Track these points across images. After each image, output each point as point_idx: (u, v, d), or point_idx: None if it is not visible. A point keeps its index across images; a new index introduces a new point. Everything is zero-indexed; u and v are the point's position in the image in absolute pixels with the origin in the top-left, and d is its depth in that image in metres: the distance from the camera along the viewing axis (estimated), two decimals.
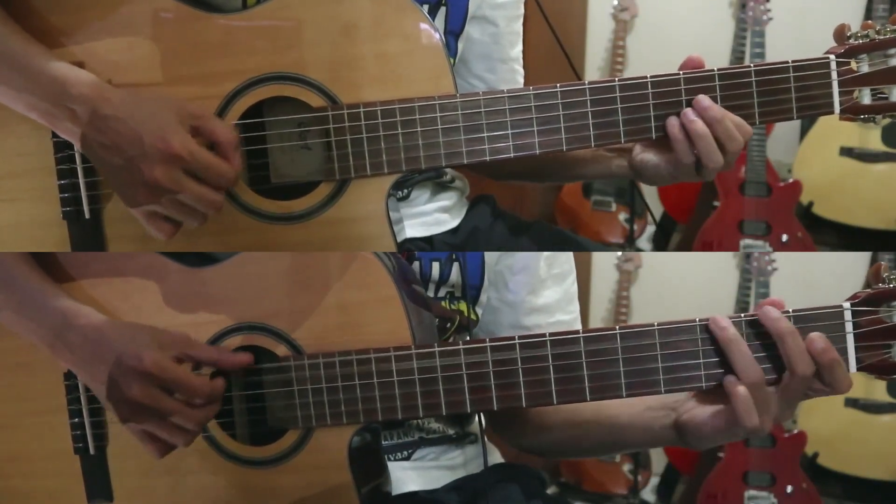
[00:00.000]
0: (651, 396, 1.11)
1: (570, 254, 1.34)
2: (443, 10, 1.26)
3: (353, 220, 1.14)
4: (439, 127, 1.11)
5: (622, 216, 3.32)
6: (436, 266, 1.24)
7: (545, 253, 1.30)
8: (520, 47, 1.39)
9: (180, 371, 1.05)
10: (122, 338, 1.07)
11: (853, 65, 1.12)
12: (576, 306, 1.34)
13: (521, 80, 1.39)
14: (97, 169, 1.10)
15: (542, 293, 1.30)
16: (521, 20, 1.38)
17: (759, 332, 1.04)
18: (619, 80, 1.12)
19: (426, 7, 1.23)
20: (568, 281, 1.33)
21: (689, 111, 1.11)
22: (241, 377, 1.11)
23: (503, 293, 1.30)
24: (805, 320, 1.03)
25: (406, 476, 1.22)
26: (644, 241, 3.40)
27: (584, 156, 1.28)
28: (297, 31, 1.11)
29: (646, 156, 1.18)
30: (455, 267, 1.25)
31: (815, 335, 1.02)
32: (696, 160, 1.13)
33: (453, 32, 1.28)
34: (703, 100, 1.11)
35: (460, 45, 1.31)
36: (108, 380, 1.05)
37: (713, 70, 1.12)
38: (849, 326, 1.03)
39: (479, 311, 1.29)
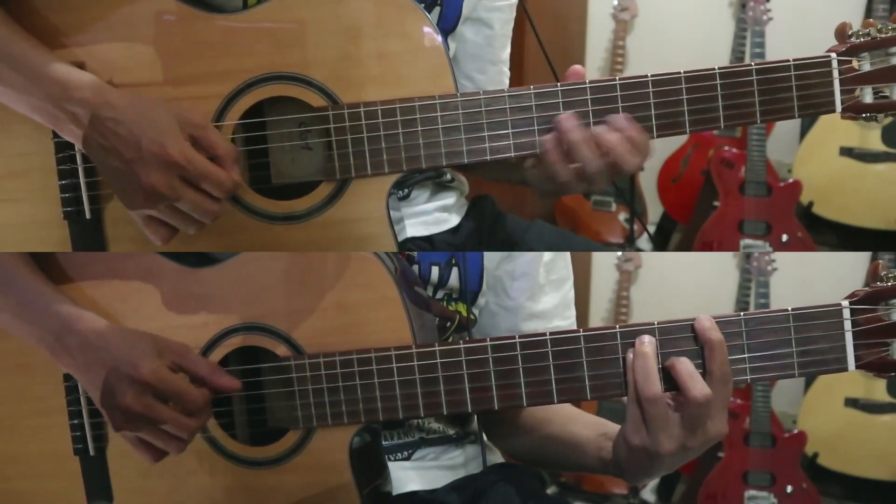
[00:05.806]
0: (611, 427, 1.15)
1: (569, 259, 1.34)
2: (437, 9, 1.26)
3: (353, 220, 1.13)
4: (440, 126, 1.11)
5: (622, 216, 3.32)
6: (435, 270, 1.24)
7: (544, 258, 1.30)
8: (509, 49, 1.39)
9: (177, 381, 1.05)
10: (122, 344, 1.06)
11: (854, 63, 1.12)
12: (573, 311, 1.34)
13: (507, 82, 1.40)
14: (98, 170, 1.10)
15: (540, 299, 1.30)
16: (513, 23, 1.38)
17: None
18: (619, 80, 1.12)
19: (421, 5, 1.23)
20: (566, 286, 1.33)
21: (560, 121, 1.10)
22: (241, 377, 1.11)
23: (502, 298, 1.30)
24: (804, 318, 1.03)
25: (406, 476, 1.22)
26: (644, 242, 3.40)
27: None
28: (298, 31, 1.11)
29: (534, 167, 1.16)
30: (454, 271, 1.25)
31: (702, 317, 1.03)
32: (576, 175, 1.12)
33: (445, 31, 1.28)
34: (565, 121, 1.10)
35: (452, 45, 1.31)
36: (102, 386, 1.05)
37: (714, 69, 1.12)
38: (847, 325, 1.03)
39: (475, 312, 1.29)
